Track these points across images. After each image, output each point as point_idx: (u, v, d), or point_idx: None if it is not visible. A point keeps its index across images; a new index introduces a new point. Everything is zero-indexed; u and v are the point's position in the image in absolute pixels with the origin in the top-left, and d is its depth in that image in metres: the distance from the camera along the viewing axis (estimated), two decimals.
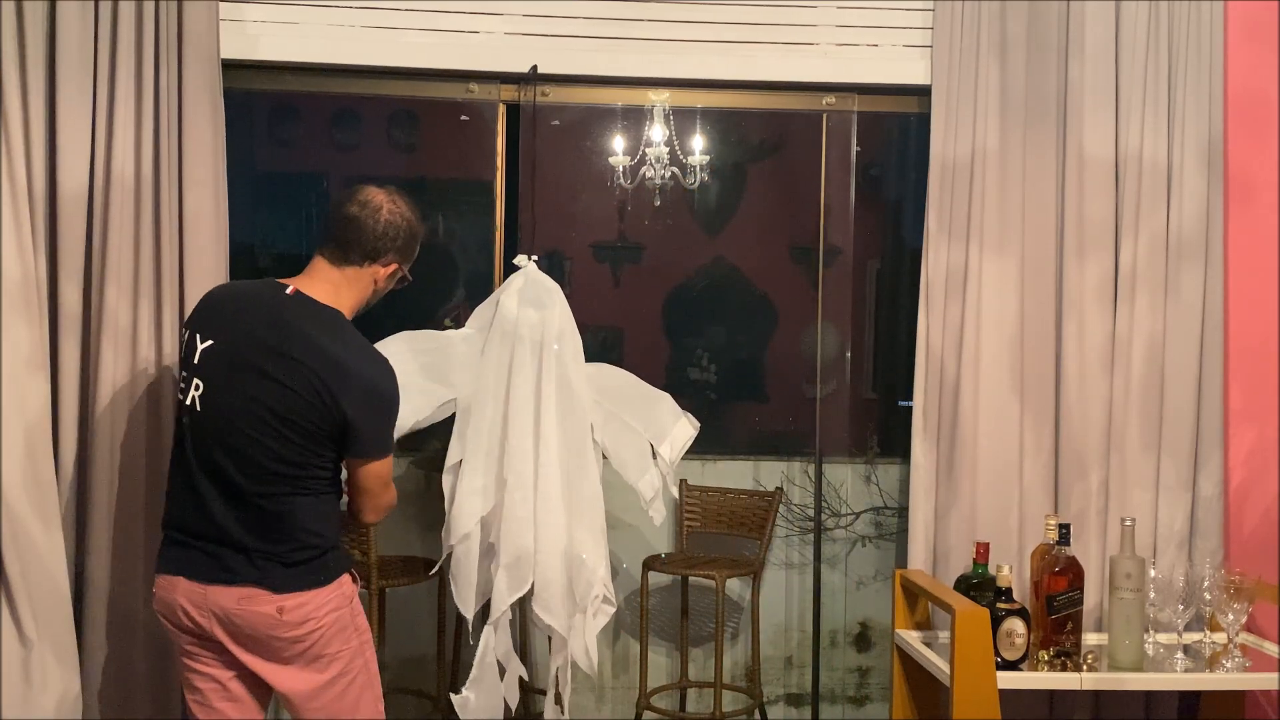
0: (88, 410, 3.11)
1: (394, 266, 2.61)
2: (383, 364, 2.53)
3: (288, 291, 2.50)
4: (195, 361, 2.48)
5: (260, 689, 2.57)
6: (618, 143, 4.17)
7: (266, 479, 2.44)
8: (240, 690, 2.55)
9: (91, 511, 3.11)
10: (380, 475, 2.59)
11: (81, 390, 3.10)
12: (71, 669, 3.03)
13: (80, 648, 3.08)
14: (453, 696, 3.10)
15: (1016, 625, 3.00)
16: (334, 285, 2.54)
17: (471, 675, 3.08)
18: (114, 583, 3.09)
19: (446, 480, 3.15)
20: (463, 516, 3.08)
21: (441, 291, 4.54)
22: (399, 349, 3.23)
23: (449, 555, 3.12)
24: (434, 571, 3.22)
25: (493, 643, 3.08)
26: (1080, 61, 3.41)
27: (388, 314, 3.48)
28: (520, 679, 3.16)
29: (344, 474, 2.60)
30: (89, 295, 3.12)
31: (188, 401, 2.48)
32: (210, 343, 2.47)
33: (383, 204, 2.57)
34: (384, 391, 2.52)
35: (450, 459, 3.15)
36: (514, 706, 3.13)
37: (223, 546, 2.45)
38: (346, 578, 2.57)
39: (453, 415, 3.21)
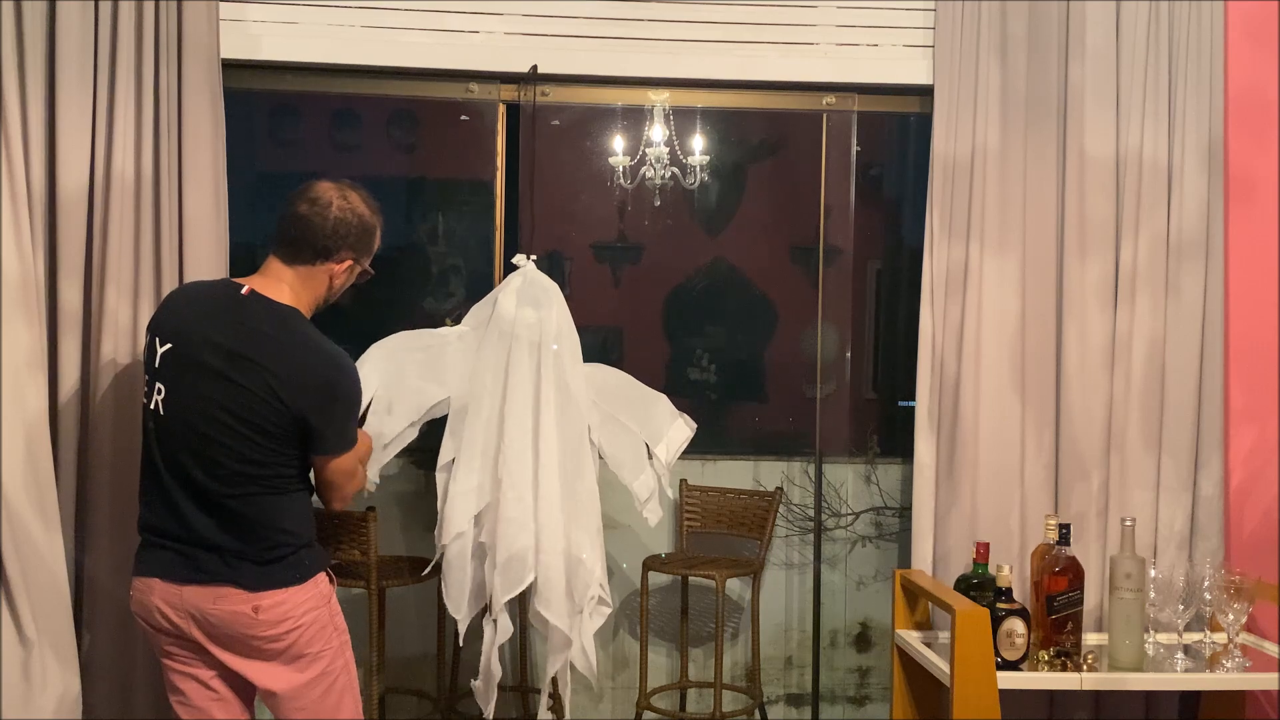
0: (88, 410, 3.11)
1: (349, 262, 2.57)
2: (340, 360, 2.51)
3: (243, 292, 2.48)
4: (156, 365, 2.47)
5: (244, 687, 2.56)
6: (618, 143, 4.17)
7: (233, 480, 2.44)
8: (223, 688, 2.55)
9: (91, 511, 3.11)
10: (345, 469, 2.58)
11: (81, 390, 3.10)
12: (71, 669, 3.03)
13: (80, 648, 3.08)
14: (472, 683, 3.14)
15: (1016, 625, 3.00)
16: (289, 284, 2.51)
17: (481, 665, 3.11)
18: (114, 583, 3.08)
19: (440, 478, 3.15)
20: (455, 515, 3.08)
21: (441, 291, 4.54)
22: (394, 347, 3.24)
23: (443, 554, 3.13)
24: (427, 572, 3.22)
25: (494, 638, 3.10)
26: (1081, 61, 3.42)
27: (387, 314, 3.49)
28: (519, 682, 3.17)
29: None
30: (89, 295, 3.11)
31: (151, 405, 2.47)
32: (169, 346, 2.46)
33: (332, 200, 2.52)
34: (342, 389, 2.50)
35: (443, 457, 3.16)
36: (488, 711, 3.14)
37: (196, 547, 2.45)
38: (323, 576, 2.55)
39: (446, 413, 3.22)
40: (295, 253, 2.52)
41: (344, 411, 2.53)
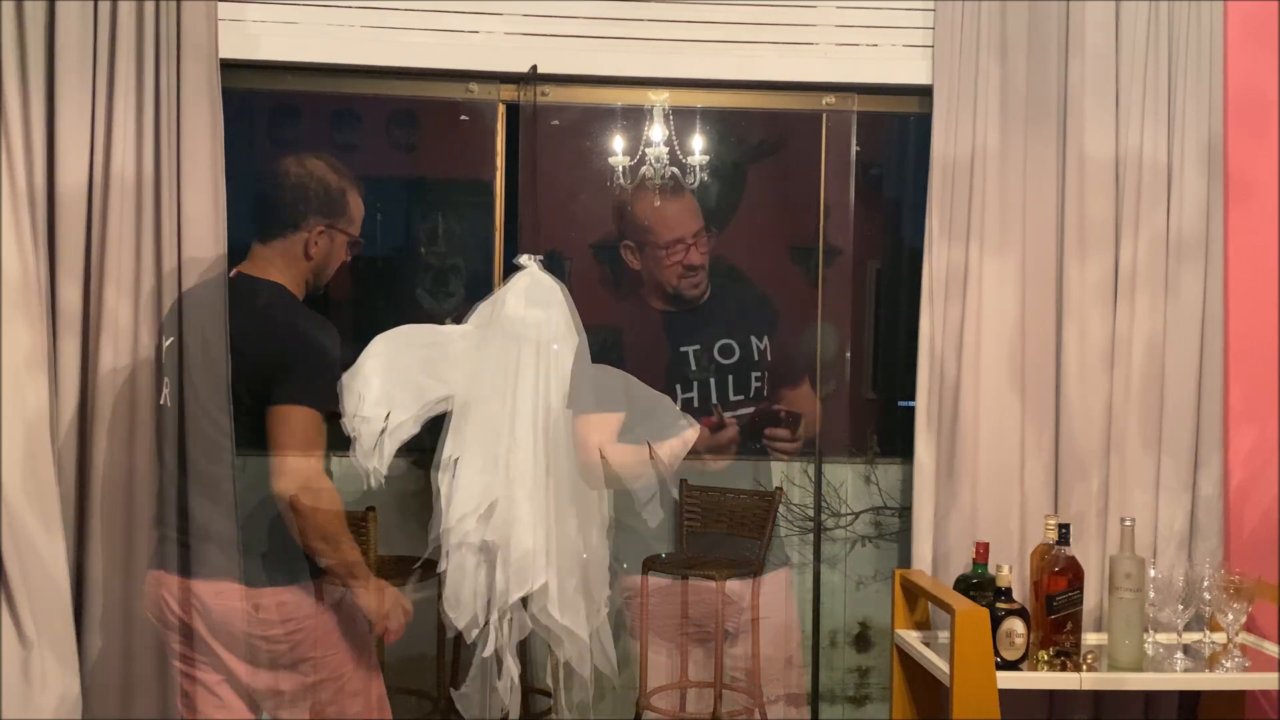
0: (88, 410, 3.11)
1: (321, 229, 2.58)
2: (320, 324, 2.52)
3: (230, 275, 2.51)
4: (162, 360, 2.49)
5: (251, 695, 2.56)
6: (618, 143, 4.16)
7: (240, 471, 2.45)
8: (229, 695, 2.55)
9: (91, 511, 3.10)
10: (290, 424, 2.43)
11: (81, 390, 3.10)
12: (71, 669, 3.03)
13: (80, 648, 3.08)
14: (453, 692, 3.10)
15: (1016, 625, 3.00)
16: (268, 261, 2.56)
17: (471, 674, 3.09)
18: (114, 583, 3.08)
19: (443, 478, 3.15)
20: (458, 514, 3.08)
21: (441, 292, 4.53)
22: (401, 342, 3.23)
23: (439, 551, 3.11)
24: (418, 564, 3.21)
25: (494, 641, 3.09)
26: (1080, 61, 3.42)
27: (386, 314, 3.48)
28: (520, 679, 3.16)
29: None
30: (89, 295, 3.11)
31: (162, 400, 2.49)
32: (170, 340, 2.48)
33: (290, 169, 2.59)
34: (314, 341, 2.52)
35: (445, 456, 3.15)
36: (511, 708, 3.13)
37: (200, 540, 2.46)
38: (329, 577, 2.56)
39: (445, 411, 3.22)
40: (267, 229, 2.56)
41: (310, 361, 2.48)
